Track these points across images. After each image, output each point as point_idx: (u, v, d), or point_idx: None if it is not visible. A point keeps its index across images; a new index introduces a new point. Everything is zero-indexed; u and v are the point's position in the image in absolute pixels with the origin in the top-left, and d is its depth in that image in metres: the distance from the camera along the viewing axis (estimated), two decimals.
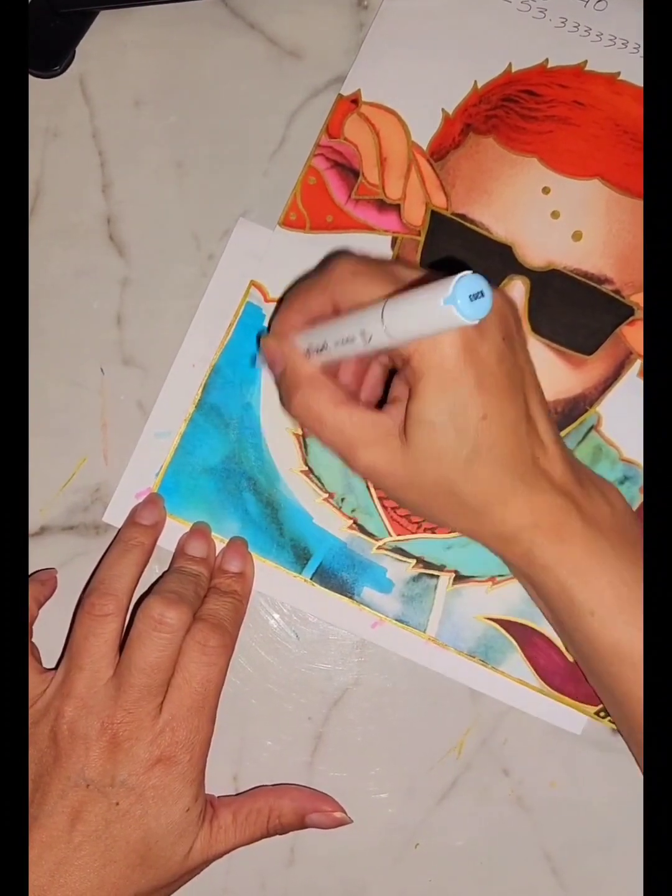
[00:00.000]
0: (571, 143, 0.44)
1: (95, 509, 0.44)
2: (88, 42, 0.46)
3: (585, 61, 0.45)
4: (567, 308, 0.44)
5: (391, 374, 0.40)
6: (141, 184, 0.45)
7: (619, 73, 0.44)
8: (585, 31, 0.45)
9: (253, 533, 0.43)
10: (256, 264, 0.44)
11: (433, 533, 0.43)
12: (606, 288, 0.44)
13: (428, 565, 0.43)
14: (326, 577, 0.43)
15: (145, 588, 0.42)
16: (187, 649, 0.39)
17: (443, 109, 0.45)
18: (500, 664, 0.43)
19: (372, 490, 0.43)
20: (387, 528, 0.43)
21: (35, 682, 0.39)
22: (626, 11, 0.45)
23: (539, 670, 0.42)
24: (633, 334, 0.44)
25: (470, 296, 0.28)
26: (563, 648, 0.42)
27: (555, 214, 0.44)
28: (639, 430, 0.43)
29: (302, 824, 0.41)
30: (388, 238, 0.44)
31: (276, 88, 0.46)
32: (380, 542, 0.43)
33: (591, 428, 0.43)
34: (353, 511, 0.43)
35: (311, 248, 0.44)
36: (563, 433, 0.43)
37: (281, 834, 0.41)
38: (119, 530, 0.43)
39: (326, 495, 0.43)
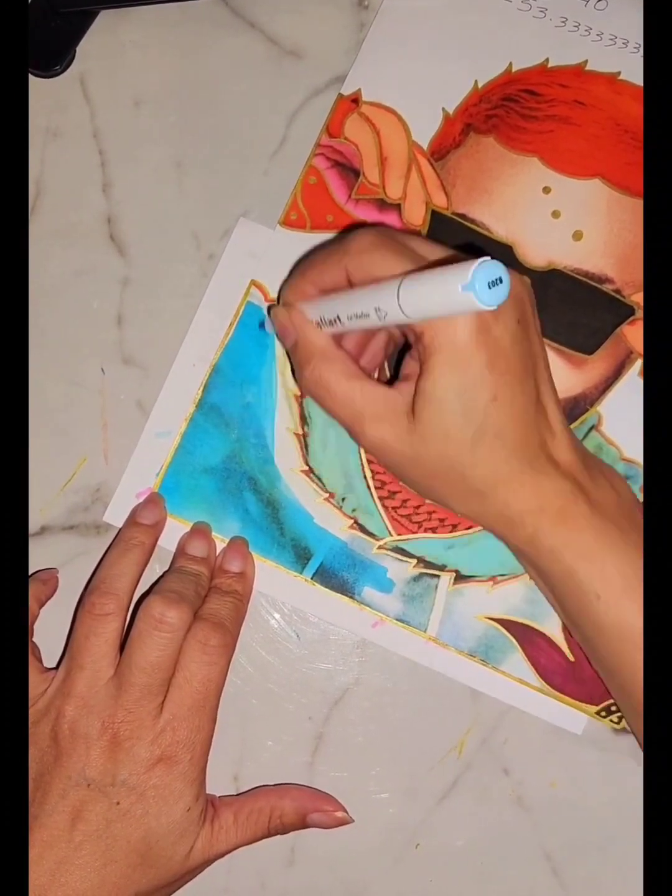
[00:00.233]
0: (572, 143, 0.44)
1: (96, 509, 0.44)
2: (88, 42, 0.46)
3: (586, 61, 0.45)
4: (568, 308, 0.44)
5: (402, 350, 0.40)
6: (141, 184, 0.45)
7: (619, 73, 0.44)
8: (586, 30, 0.45)
9: (253, 533, 0.43)
10: (257, 264, 0.44)
11: (434, 533, 0.43)
12: (607, 287, 0.44)
13: (429, 565, 0.43)
14: (327, 577, 0.43)
15: (146, 588, 0.42)
16: (188, 649, 0.39)
17: (443, 109, 0.45)
18: (500, 664, 0.43)
19: (373, 490, 0.43)
20: (387, 528, 0.43)
21: (36, 682, 0.39)
22: (626, 11, 0.45)
23: (540, 670, 0.42)
24: (633, 334, 0.44)
25: (488, 283, 0.28)
26: (564, 648, 0.42)
27: (555, 214, 0.44)
28: (639, 429, 0.43)
29: (303, 824, 0.41)
30: None
31: (276, 88, 0.46)
32: (380, 542, 0.43)
33: (592, 427, 0.43)
34: (353, 511, 0.43)
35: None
36: None
37: (282, 834, 0.41)
38: (119, 530, 0.43)
39: (327, 495, 0.43)
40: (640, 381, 0.43)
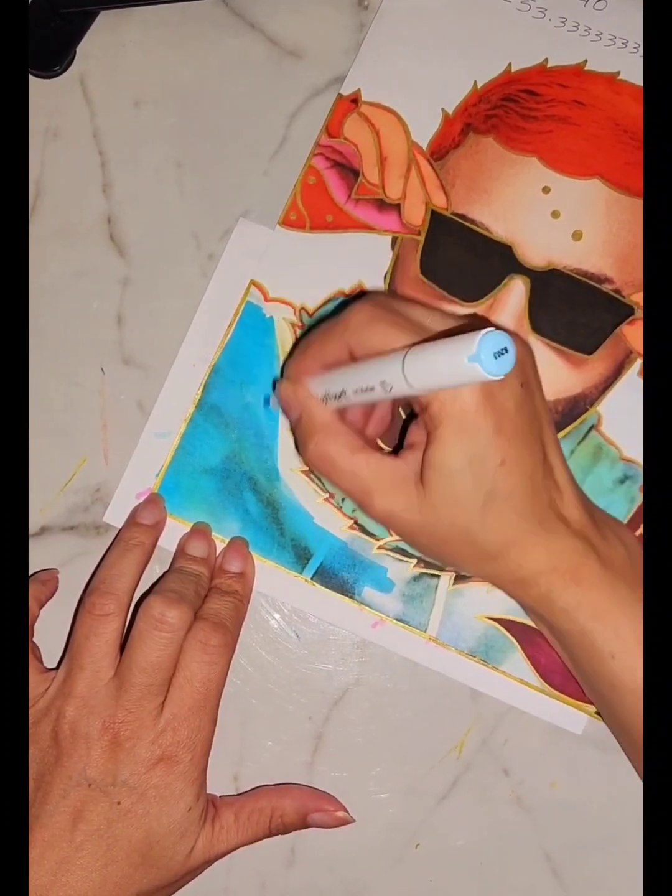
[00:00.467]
0: (571, 143, 0.44)
1: (96, 509, 0.44)
2: (89, 42, 0.46)
3: (585, 61, 0.45)
4: (567, 307, 0.44)
5: (407, 419, 0.40)
6: (141, 184, 0.45)
7: (618, 73, 0.44)
8: (585, 30, 0.45)
9: (253, 533, 0.43)
10: (256, 264, 0.44)
11: None
12: (606, 287, 0.44)
13: (429, 565, 0.43)
14: (327, 577, 0.43)
15: (146, 588, 0.42)
16: (188, 648, 0.39)
17: (443, 109, 0.45)
18: (500, 664, 0.43)
19: None
20: (387, 528, 0.43)
21: (36, 682, 0.39)
22: (625, 11, 0.45)
23: (540, 670, 0.42)
24: (633, 333, 0.44)
25: (494, 353, 0.28)
26: None
27: (555, 214, 0.44)
28: (639, 429, 0.43)
29: (304, 824, 0.41)
30: (388, 238, 0.44)
31: (276, 88, 0.46)
32: (380, 542, 0.43)
33: (592, 427, 0.43)
34: (353, 511, 0.43)
35: (311, 248, 0.44)
36: (563, 433, 0.43)
37: (283, 833, 0.41)
38: (119, 530, 0.43)
39: (327, 495, 0.43)
40: (640, 381, 0.43)
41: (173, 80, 0.46)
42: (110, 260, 0.45)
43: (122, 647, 0.39)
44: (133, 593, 0.41)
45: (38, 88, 0.46)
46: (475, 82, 0.45)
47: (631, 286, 0.44)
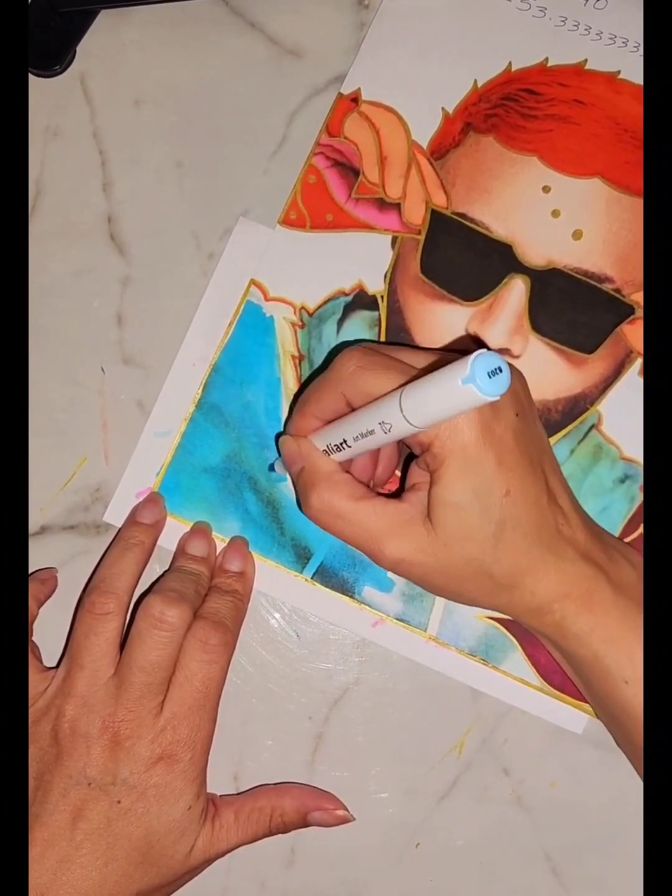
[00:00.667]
0: (571, 142, 0.44)
1: (96, 509, 0.44)
2: (89, 42, 0.46)
3: (585, 60, 0.45)
4: (567, 307, 0.44)
5: (405, 462, 0.40)
6: (141, 183, 0.45)
7: (618, 72, 0.44)
8: (585, 29, 0.45)
9: (253, 532, 0.43)
10: (256, 263, 0.44)
11: None
12: (607, 287, 0.44)
13: None
14: (327, 577, 0.43)
15: (146, 587, 0.42)
16: (188, 647, 0.39)
17: (443, 108, 0.45)
18: (500, 663, 0.43)
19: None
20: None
21: (36, 681, 0.39)
22: (625, 10, 0.45)
23: (540, 669, 0.42)
24: (633, 333, 0.44)
25: (488, 373, 0.28)
26: None
27: (555, 213, 0.44)
28: (639, 428, 0.43)
29: (304, 823, 0.41)
30: (389, 237, 0.44)
31: (276, 88, 0.46)
32: None
33: (592, 426, 0.43)
34: None
35: (311, 247, 0.44)
36: (563, 432, 0.43)
37: (283, 832, 0.41)
38: (119, 529, 0.43)
39: None
40: (640, 380, 0.43)
41: (173, 80, 0.46)
42: (110, 259, 0.45)
43: (122, 646, 0.39)
44: (133, 592, 0.41)
45: (38, 88, 0.46)
46: (475, 81, 0.45)
47: (631, 285, 0.44)
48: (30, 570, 0.43)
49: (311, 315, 0.44)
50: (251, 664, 0.43)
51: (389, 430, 0.33)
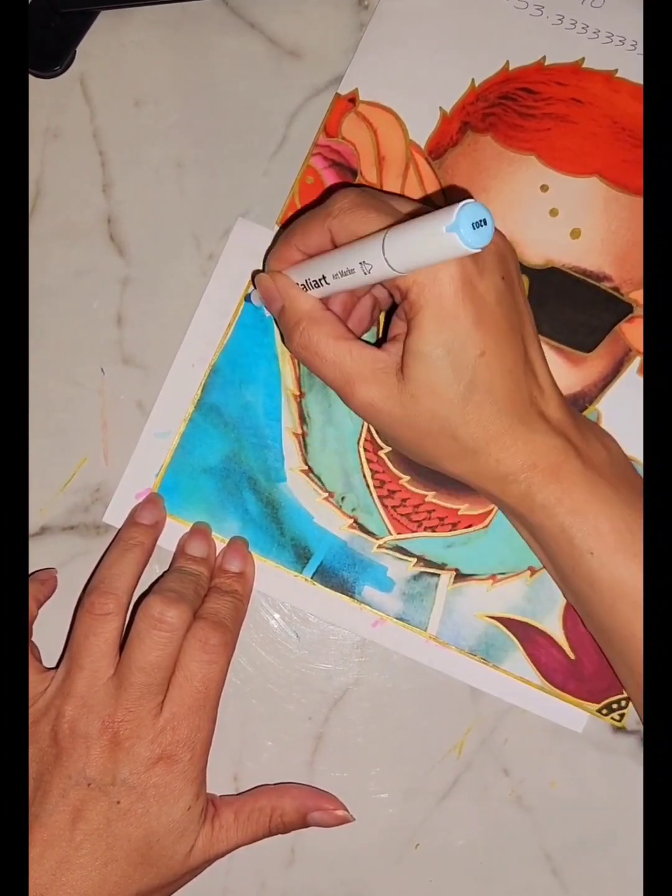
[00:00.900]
0: (569, 141, 0.44)
1: (96, 509, 0.44)
2: (89, 42, 0.46)
3: (583, 59, 0.45)
4: (566, 306, 0.44)
5: (388, 313, 0.40)
6: (141, 184, 0.45)
7: (616, 71, 0.44)
8: (583, 28, 0.45)
9: (253, 532, 0.43)
10: (256, 263, 0.44)
11: (434, 531, 0.43)
12: (605, 285, 0.44)
13: (428, 564, 0.43)
14: (327, 577, 0.43)
15: (146, 588, 0.42)
16: (188, 648, 0.39)
17: (440, 108, 0.45)
18: (501, 662, 0.42)
19: (372, 489, 0.43)
20: (387, 527, 0.43)
21: (35, 682, 0.39)
22: (623, 8, 0.45)
23: (540, 668, 0.42)
24: (632, 331, 0.44)
25: (472, 224, 0.28)
26: (564, 646, 0.42)
27: (553, 212, 0.44)
28: (638, 426, 0.43)
29: (304, 823, 0.41)
30: None
31: (276, 88, 0.46)
32: (380, 541, 0.43)
33: None
34: (353, 510, 0.43)
35: None
36: None
37: (283, 833, 0.41)
38: (119, 530, 0.43)
39: (326, 494, 0.43)
40: (639, 379, 0.43)
41: (173, 80, 0.46)
42: (110, 260, 0.45)
43: (122, 646, 0.39)
44: (132, 593, 0.41)
45: (38, 88, 0.46)
46: (473, 81, 0.45)
47: (630, 284, 0.44)
48: (30, 571, 0.43)
49: None
50: (251, 664, 0.43)
51: (369, 271, 0.32)
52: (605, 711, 0.42)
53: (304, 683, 0.43)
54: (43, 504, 0.44)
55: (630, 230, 0.44)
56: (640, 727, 0.42)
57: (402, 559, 0.43)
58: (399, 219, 0.34)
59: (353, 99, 0.45)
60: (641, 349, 0.43)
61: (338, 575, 0.43)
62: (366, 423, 0.43)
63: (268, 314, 0.42)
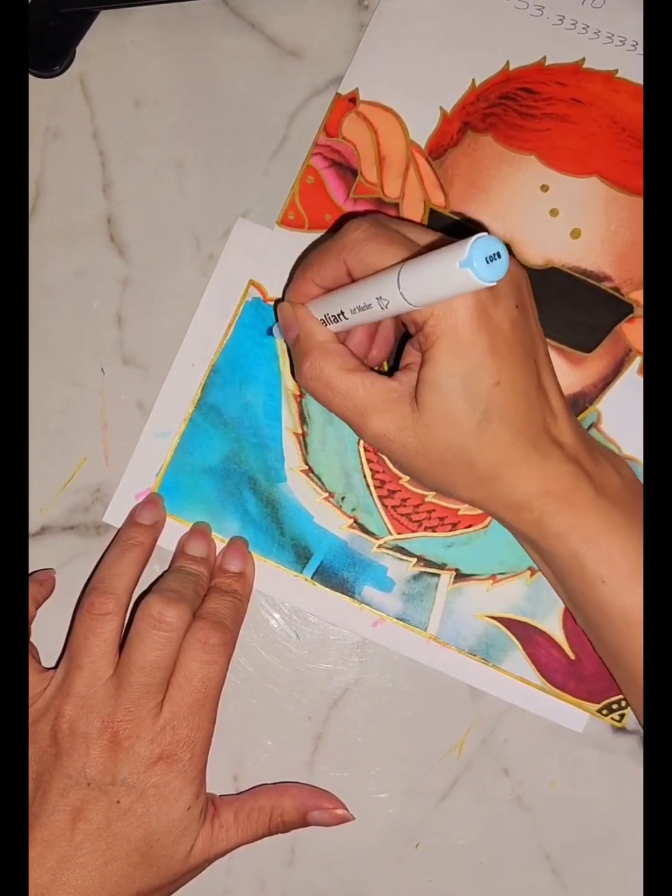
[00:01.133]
0: (569, 141, 0.44)
1: (96, 509, 0.44)
2: (88, 42, 0.46)
3: (583, 59, 0.45)
4: (566, 306, 0.44)
5: (402, 340, 0.40)
6: (141, 184, 0.45)
7: (616, 71, 0.44)
8: (583, 28, 0.45)
9: (253, 532, 0.43)
10: (256, 264, 0.44)
11: (434, 531, 0.43)
12: (605, 285, 0.44)
13: (429, 564, 0.43)
14: (327, 577, 0.43)
15: (146, 588, 0.42)
16: (188, 647, 0.39)
17: (441, 108, 0.45)
18: (501, 662, 0.42)
19: (372, 489, 0.43)
20: (387, 527, 0.43)
21: (35, 682, 0.39)
22: (623, 9, 0.45)
23: (540, 668, 0.42)
24: (632, 332, 0.44)
25: (486, 258, 0.28)
26: (564, 646, 0.42)
27: (553, 212, 0.44)
28: (638, 426, 0.43)
29: (304, 822, 0.41)
30: None
31: (276, 88, 0.46)
32: (380, 541, 0.43)
33: (592, 425, 0.43)
34: (353, 510, 0.43)
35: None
36: None
37: (283, 832, 0.41)
38: (119, 530, 0.43)
39: (327, 494, 0.43)
40: (639, 379, 0.43)
41: (173, 80, 0.46)
42: (110, 260, 0.45)
43: (122, 646, 0.39)
44: (132, 593, 0.41)
45: (38, 88, 0.46)
46: (473, 81, 0.45)
47: (630, 284, 0.44)
48: (30, 571, 0.43)
49: None
50: (251, 664, 0.43)
51: (386, 306, 0.33)
52: (605, 712, 0.42)
53: (304, 683, 0.43)
54: (43, 504, 0.44)
55: (630, 230, 0.44)
56: (640, 727, 0.42)
57: (402, 559, 0.43)
58: (413, 250, 0.35)
59: (353, 99, 0.45)
60: (642, 349, 0.43)
61: (338, 575, 0.43)
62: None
63: (283, 342, 0.42)
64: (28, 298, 0.44)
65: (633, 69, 0.44)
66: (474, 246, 0.28)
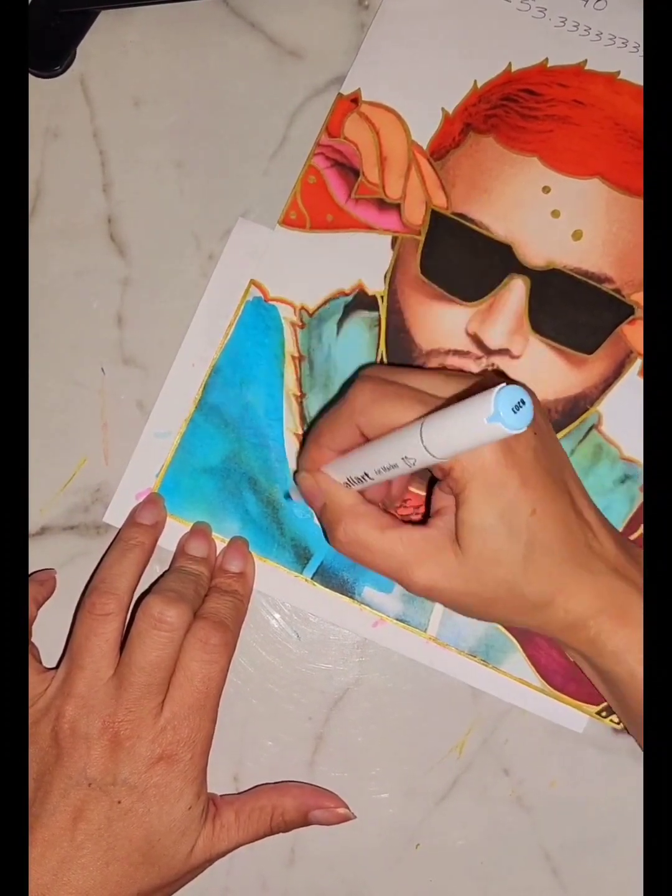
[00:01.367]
0: (571, 143, 0.44)
1: (96, 509, 0.44)
2: (89, 42, 0.46)
3: (585, 60, 0.45)
4: (567, 307, 0.44)
5: (429, 486, 0.40)
6: (141, 184, 0.45)
7: (618, 73, 0.44)
8: (585, 30, 0.45)
9: (253, 533, 0.43)
10: (256, 263, 0.44)
11: None
12: (606, 287, 0.44)
13: None
14: (327, 577, 0.43)
15: (146, 588, 0.42)
16: (188, 647, 0.39)
17: (443, 109, 0.45)
18: (501, 663, 0.43)
19: None
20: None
21: (35, 682, 0.39)
22: (625, 10, 0.45)
23: (540, 670, 0.42)
24: (633, 333, 0.44)
25: (512, 408, 0.28)
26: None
27: (555, 213, 0.44)
28: (639, 428, 0.43)
29: (305, 821, 0.41)
30: (389, 237, 0.44)
31: (276, 88, 0.46)
32: None
33: (592, 427, 0.43)
34: None
35: (311, 248, 0.44)
36: (563, 432, 0.43)
37: (284, 831, 0.41)
38: (119, 530, 0.43)
39: None
40: (640, 381, 0.43)
41: (173, 80, 0.46)
42: (110, 260, 0.45)
43: (123, 646, 0.39)
44: (133, 593, 0.41)
45: (38, 88, 0.46)
46: (475, 82, 0.45)
47: (631, 286, 0.44)
48: (30, 571, 0.43)
49: (311, 315, 0.44)
50: (251, 664, 0.43)
51: (413, 464, 0.33)
52: (604, 713, 0.42)
53: (304, 683, 0.43)
54: (43, 504, 0.44)
55: (631, 232, 0.44)
56: None
57: None
58: (422, 400, 0.35)
59: (355, 99, 0.45)
60: (642, 351, 0.43)
61: (338, 575, 0.43)
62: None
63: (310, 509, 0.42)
64: (28, 298, 0.44)
65: (634, 71, 0.44)
66: (499, 399, 0.28)
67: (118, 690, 0.38)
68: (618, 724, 0.42)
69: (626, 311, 0.44)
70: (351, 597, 0.43)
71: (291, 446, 0.44)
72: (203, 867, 0.40)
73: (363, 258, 0.44)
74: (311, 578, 0.43)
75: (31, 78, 0.45)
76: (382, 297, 0.44)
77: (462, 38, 0.45)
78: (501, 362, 0.44)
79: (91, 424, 0.44)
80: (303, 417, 0.44)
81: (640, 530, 0.43)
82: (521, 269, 0.44)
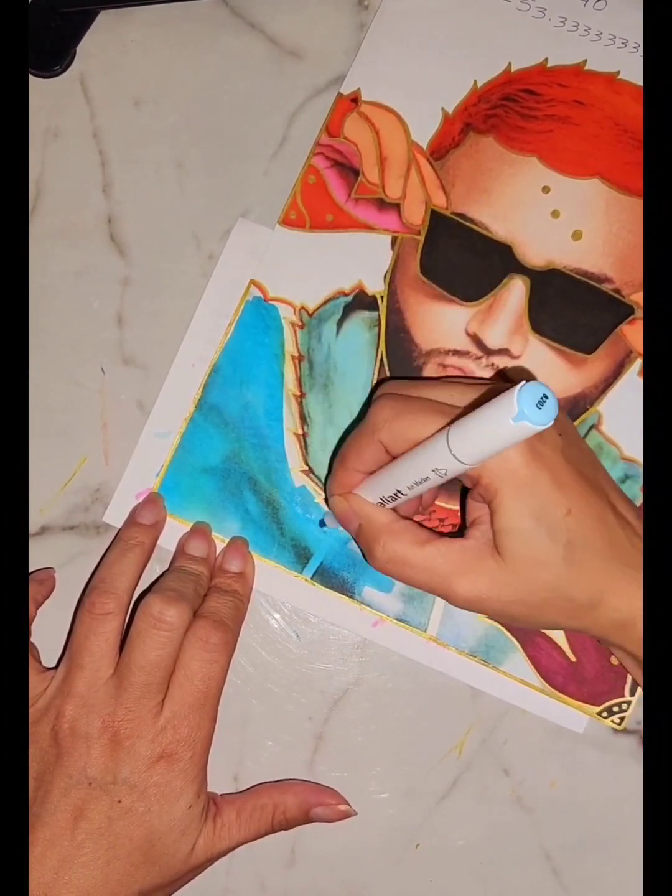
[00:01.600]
0: (571, 143, 0.44)
1: (96, 509, 0.44)
2: (89, 42, 0.46)
3: (585, 61, 0.45)
4: (567, 307, 0.44)
5: (462, 497, 0.40)
6: (141, 184, 0.45)
7: (618, 73, 0.44)
8: (585, 30, 0.45)
9: (253, 532, 0.43)
10: (256, 263, 0.44)
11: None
12: (606, 287, 0.44)
13: None
14: (327, 577, 0.43)
15: (146, 587, 0.42)
16: (188, 646, 0.39)
17: (442, 109, 0.45)
18: (501, 664, 0.43)
19: None
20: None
21: (35, 682, 0.39)
22: (625, 10, 0.45)
23: (541, 670, 0.42)
24: (633, 333, 0.44)
25: (536, 404, 0.28)
26: (565, 648, 0.42)
27: (555, 213, 0.44)
28: (639, 428, 0.43)
29: (306, 819, 0.41)
30: (388, 237, 0.44)
31: (276, 88, 0.46)
32: None
33: (592, 427, 0.43)
34: None
35: (311, 247, 0.44)
36: None
37: (285, 829, 0.41)
38: (119, 530, 0.43)
39: (327, 495, 0.43)
40: (640, 381, 0.43)
41: (173, 80, 0.46)
42: (110, 260, 0.45)
43: (123, 646, 0.39)
44: (133, 592, 0.41)
45: (38, 88, 0.46)
46: (475, 82, 0.45)
47: (631, 286, 0.44)
48: (30, 571, 0.43)
49: (310, 315, 0.44)
50: (251, 664, 0.43)
51: (444, 474, 0.33)
52: (605, 714, 0.42)
53: (304, 683, 0.43)
54: (43, 504, 0.44)
55: (631, 232, 0.44)
56: (640, 727, 0.42)
57: None
58: (442, 411, 0.35)
59: (355, 99, 0.45)
60: (642, 351, 0.43)
61: (338, 575, 0.43)
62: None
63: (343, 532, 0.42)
64: (28, 298, 0.44)
65: (634, 71, 0.44)
66: (521, 396, 0.28)
67: (118, 690, 0.38)
68: (618, 725, 0.42)
69: (625, 311, 0.44)
70: (351, 597, 0.43)
71: (291, 446, 0.44)
72: (204, 866, 0.40)
73: (363, 258, 0.44)
74: (311, 578, 0.43)
75: (31, 78, 0.45)
76: (382, 296, 0.44)
77: (462, 38, 0.45)
78: (501, 362, 0.44)
79: (91, 424, 0.44)
80: (303, 417, 0.44)
81: None
82: (521, 269, 0.44)
